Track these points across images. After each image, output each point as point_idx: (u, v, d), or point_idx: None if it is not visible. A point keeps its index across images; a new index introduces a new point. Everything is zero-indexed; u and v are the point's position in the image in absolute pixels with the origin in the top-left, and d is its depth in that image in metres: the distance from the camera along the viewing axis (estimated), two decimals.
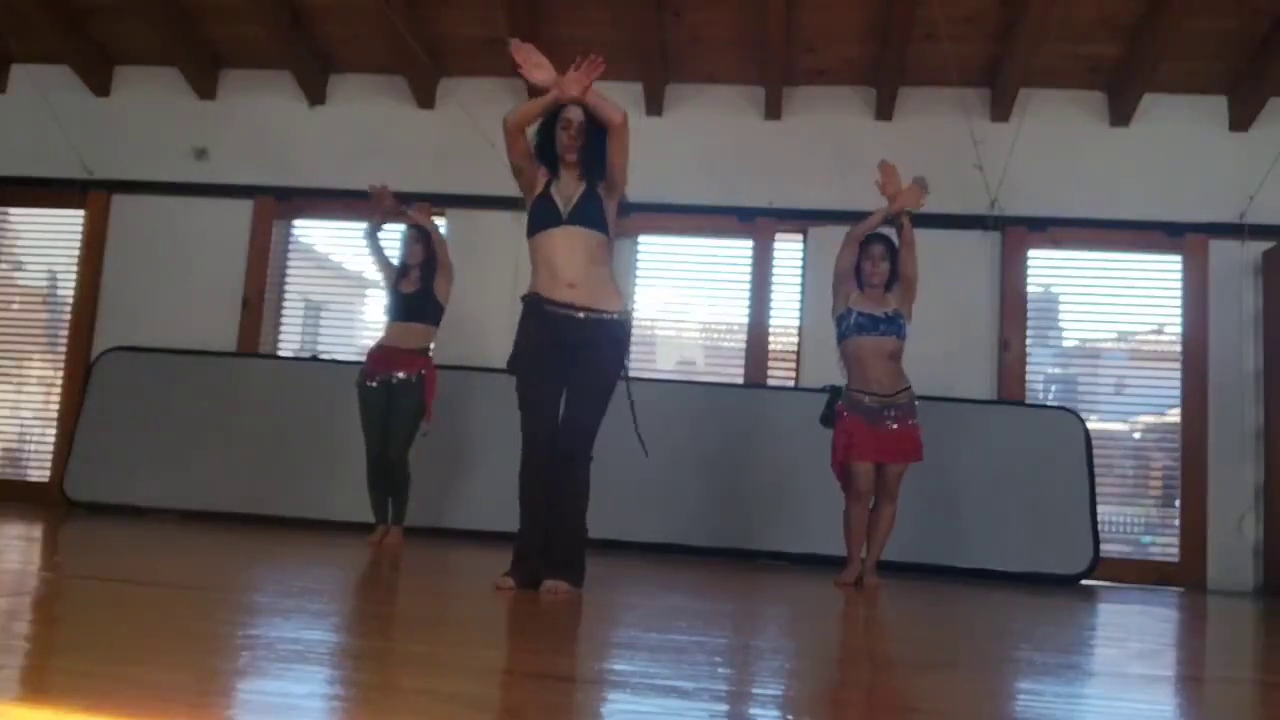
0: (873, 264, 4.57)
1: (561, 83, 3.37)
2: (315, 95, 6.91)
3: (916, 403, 4.56)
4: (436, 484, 5.79)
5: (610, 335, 3.42)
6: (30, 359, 7.26)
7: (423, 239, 5.28)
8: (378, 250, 5.30)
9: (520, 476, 3.39)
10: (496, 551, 5.15)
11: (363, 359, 5.40)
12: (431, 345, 5.35)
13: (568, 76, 3.35)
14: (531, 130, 3.50)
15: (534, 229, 3.44)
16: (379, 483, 5.15)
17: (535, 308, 3.41)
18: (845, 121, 6.56)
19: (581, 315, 3.37)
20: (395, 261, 5.28)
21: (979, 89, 6.42)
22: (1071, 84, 6.38)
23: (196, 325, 6.67)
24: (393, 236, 5.41)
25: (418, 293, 5.19)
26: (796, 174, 6.50)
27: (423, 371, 5.14)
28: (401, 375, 5.09)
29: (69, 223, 7.07)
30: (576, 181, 3.47)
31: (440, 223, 6.71)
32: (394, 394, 5.08)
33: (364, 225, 5.37)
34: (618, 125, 3.38)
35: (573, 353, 3.38)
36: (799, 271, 6.56)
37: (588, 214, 3.41)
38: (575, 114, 3.44)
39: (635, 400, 3.53)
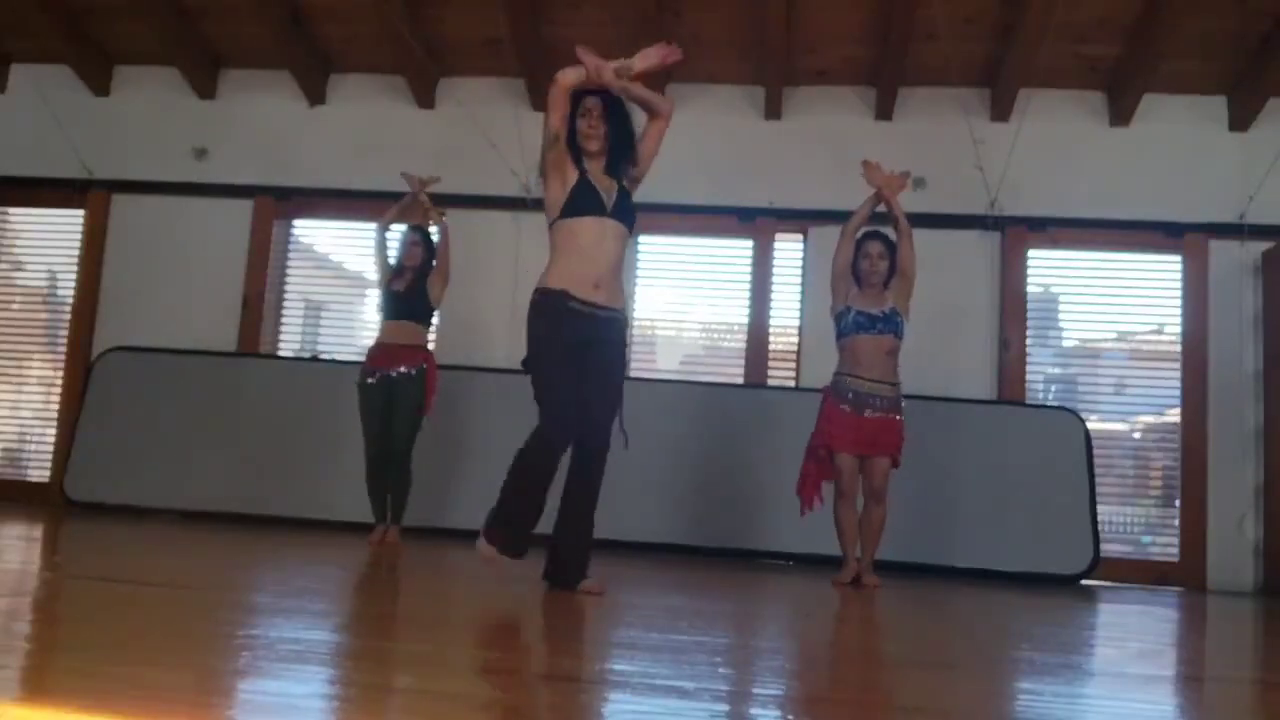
0: (870, 263, 4.58)
1: (601, 67, 3.36)
2: (315, 95, 6.90)
3: (904, 402, 4.58)
4: (436, 484, 5.78)
5: (620, 332, 3.43)
6: (30, 359, 7.26)
7: (423, 242, 5.30)
8: (384, 249, 5.31)
9: (525, 468, 3.28)
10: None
11: (363, 359, 5.41)
12: (429, 342, 5.37)
13: (614, 63, 3.37)
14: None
15: (573, 211, 3.35)
16: (379, 481, 5.15)
17: (559, 304, 3.31)
18: (845, 121, 6.55)
19: (603, 315, 3.35)
20: (392, 262, 5.31)
21: (979, 89, 6.42)
22: (1071, 84, 6.38)
23: (196, 325, 6.67)
24: (392, 237, 5.40)
25: (409, 291, 5.22)
26: (796, 174, 6.49)
27: (424, 365, 5.17)
28: (402, 369, 5.11)
29: (69, 223, 7.07)
30: (604, 174, 3.43)
31: None
32: (394, 389, 5.10)
33: (375, 223, 5.39)
34: (667, 114, 3.45)
35: (587, 350, 3.34)
36: (799, 271, 6.56)
37: (625, 211, 3.42)
38: (593, 102, 3.43)
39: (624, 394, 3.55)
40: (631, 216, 3.43)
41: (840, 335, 4.59)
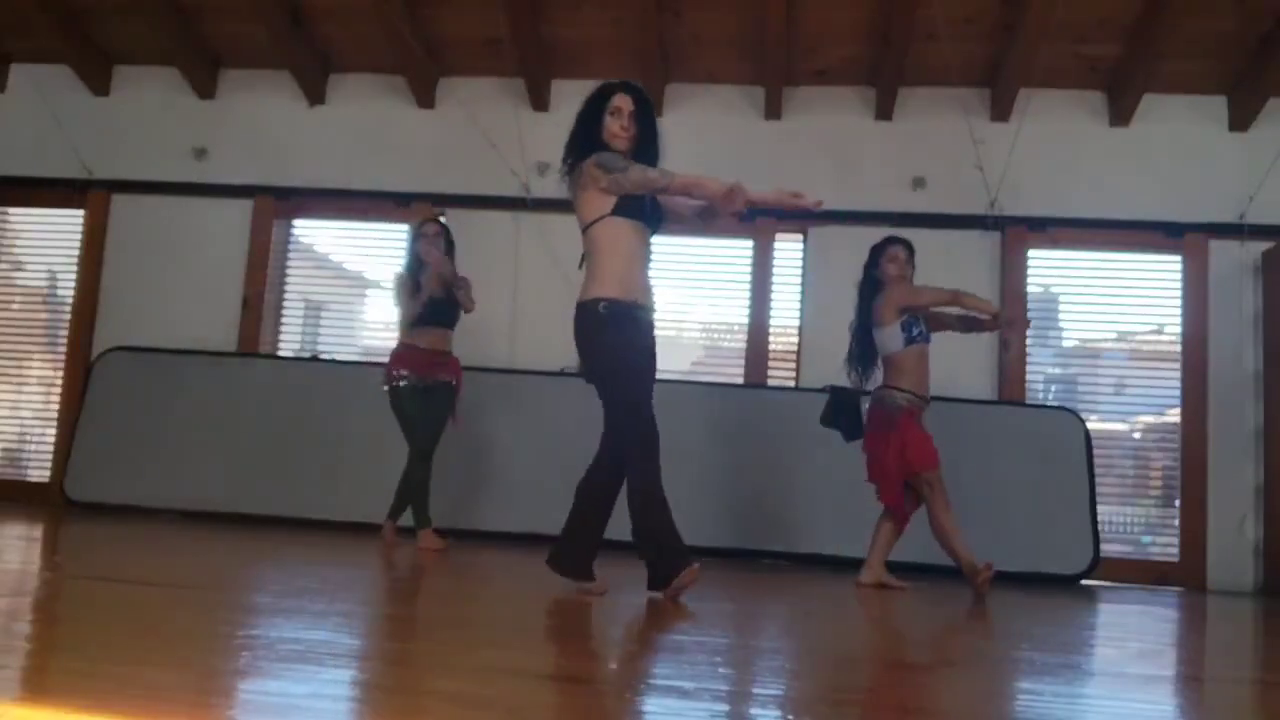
0: (899, 267, 4.56)
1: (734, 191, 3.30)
2: (315, 95, 6.90)
3: None
4: (437, 485, 5.77)
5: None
6: (30, 359, 7.26)
7: (444, 233, 5.23)
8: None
9: (653, 476, 3.55)
10: (498, 552, 5.16)
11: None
12: None
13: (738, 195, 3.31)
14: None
15: (624, 212, 3.37)
16: (428, 478, 5.09)
17: (632, 314, 3.37)
18: (845, 121, 6.55)
19: (652, 318, 3.49)
20: (405, 267, 5.26)
21: (979, 89, 6.42)
22: (1071, 84, 6.38)
23: (196, 325, 6.67)
24: (398, 236, 5.37)
25: (446, 298, 5.16)
26: (796, 174, 6.45)
27: (458, 376, 5.18)
28: (442, 378, 5.10)
29: (69, 223, 7.07)
30: None
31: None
32: (432, 396, 5.08)
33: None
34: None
35: (653, 355, 3.50)
36: (799, 271, 6.55)
37: (657, 218, 3.50)
38: (625, 102, 3.42)
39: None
40: (659, 226, 3.53)
41: (910, 342, 4.47)
